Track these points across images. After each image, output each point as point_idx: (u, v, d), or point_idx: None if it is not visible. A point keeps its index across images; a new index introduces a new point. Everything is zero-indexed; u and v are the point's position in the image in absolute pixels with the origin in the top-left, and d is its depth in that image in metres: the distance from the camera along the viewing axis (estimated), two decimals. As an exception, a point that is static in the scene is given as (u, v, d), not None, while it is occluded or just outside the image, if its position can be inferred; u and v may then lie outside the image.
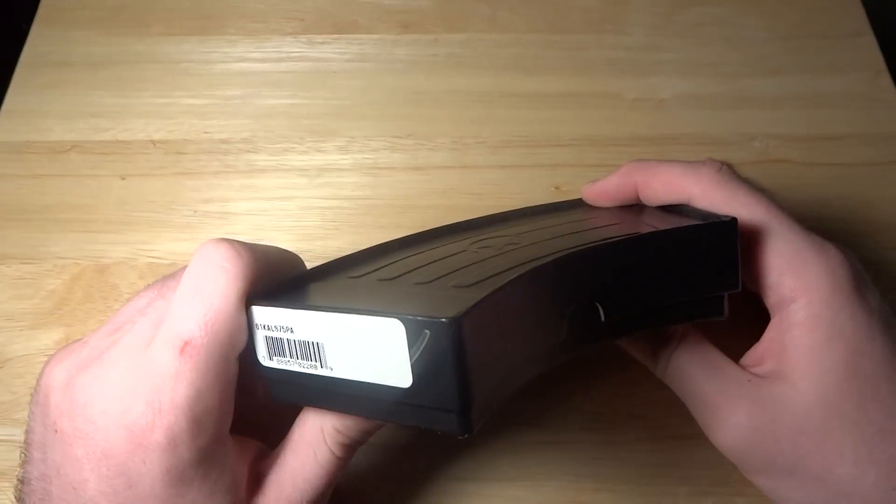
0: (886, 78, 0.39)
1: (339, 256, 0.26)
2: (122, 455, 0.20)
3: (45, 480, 0.21)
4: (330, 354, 0.21)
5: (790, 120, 0.38)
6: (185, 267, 0.23)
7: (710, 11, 0.41)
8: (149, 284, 0.24)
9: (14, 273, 0.33)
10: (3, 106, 0.38)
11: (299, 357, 0.21)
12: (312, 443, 0.22)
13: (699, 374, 0.25)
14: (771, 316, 0.25)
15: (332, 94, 0.38)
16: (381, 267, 0.25)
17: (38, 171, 0.36)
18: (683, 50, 0.40)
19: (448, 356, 0.18)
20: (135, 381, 0.20)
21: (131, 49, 0.40)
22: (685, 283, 0.24)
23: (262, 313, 0.21)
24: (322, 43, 0.40)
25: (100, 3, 0.41)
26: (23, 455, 0.22)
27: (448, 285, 0.21)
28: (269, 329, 0.22)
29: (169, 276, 0.24)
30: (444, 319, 0.18)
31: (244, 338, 0.21)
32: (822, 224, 0.34)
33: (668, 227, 0.24)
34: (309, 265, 0.26)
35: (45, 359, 0.30)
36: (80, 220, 0.35)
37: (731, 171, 0.26)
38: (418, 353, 0.19)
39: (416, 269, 0.24)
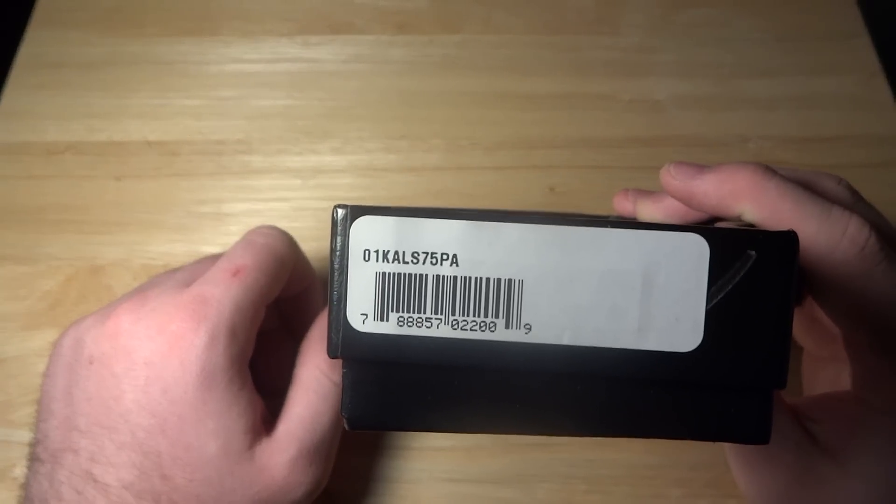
0: (881, 79, 0.39)
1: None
2: (162, 359, 0.22)
3: (69, 420, 0.22)
4: (532, 300, 0.13)
5: (785, 121, 0.38)
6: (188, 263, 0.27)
7: (705, 13, 0.41)
8: (158, 274, 0.27)
9: (8, 274, 0.33)
10: (-1, 107, 0.38)
11: (460, 309, 0.13)
12: (311, 384, 0.23)
13: None
14: (850, 366, 0.21)
15: (326, 96, 0.38)
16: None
17: (34, 172, 0.36)
18: (678, 51, 0.40)
19: (781, 286, 0.13)
20: (180, 301, 0.22)
21: (126, 50, 0.40)
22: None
23: (379, 231, 0.13)
24: (317, 44, 0.40)
25: (95, 5, 0.41)
26: (35, 424, 0.23)
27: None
28: (396, 260, 0.13)
29: (174, 269, 0.26)
30: (784, 232, 0.13)
31: (277, 290, 0.24)
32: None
33: None
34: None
35: (40, 360, 0.31)
36: (75, 221, 0.35)
37: (878, 245, 0.19)
38: (729, 286, 0.13)
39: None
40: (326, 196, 0.35)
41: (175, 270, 0.26)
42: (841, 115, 0.38)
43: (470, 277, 0.13)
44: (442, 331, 0.13)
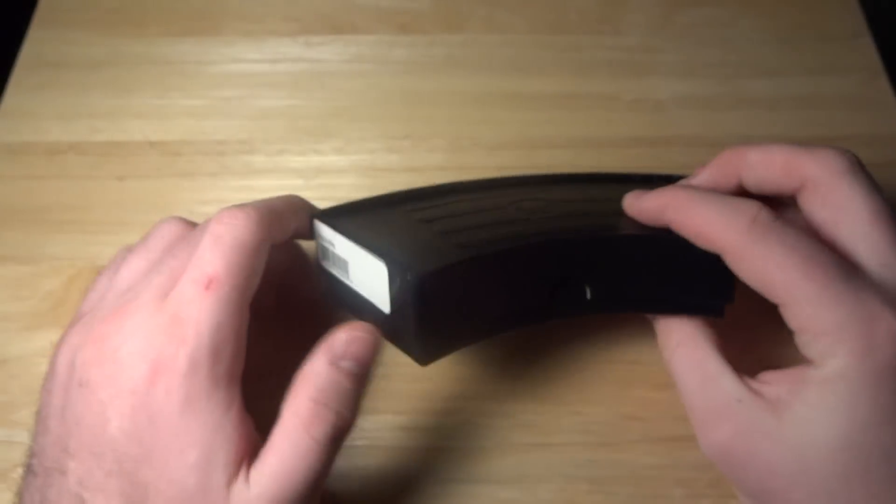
0: (884, 79, 0.39)
1: (409, 188, 0.30)
2: (146, 388, 0.22)
3: (61, 440, 0.22)
4: (352, 270, 0.26)
5: (787, 121, 0.38)
6: (146, 236, 0.27)
7: (708, 12, 0.41)
8: (125, 258, 0.27)
9: (11, 274, 0.33)
10: (1, 107, 0.38)
11: (337, 266, 0.27)
12: (290, 433, 0.22)
13: (691, 383, 0.25)
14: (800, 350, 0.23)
15: (329, 96, 0.38)
16: (432, 207, 0.29)
17: (36, 173, 0.36)
18: (681, 51, 0.40)
19: (409, 300, 0.23)
20: (160, 320, 0.22)
21: (128, 50, 0.40)
22: (680, 285, 0.26)
23: (319, 227, 0.27)
24: (319, 44, 0.40)
25: (97, 5, 0.41)
26: (34, 435, 0.24)
27: (453, 241, 0.25)
28: (322, 239, 0.27)
29: (146, 246, 0.26)
30: (409, 273, 0.23)
31: (257, 281, 0.24)
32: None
33: (664, 235, 0.25)
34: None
35: (42, 360, 0.31)
36: (77, 222, 0.35)
37: (770, 218, 0.23)
38: (394, 290, 0.24)
39: (449, 216, 0.28)
40: (329, 196, 0.35)
41: (149, 264, 0.25)
42: (843, 114, 0.38)
43: (336, 254, 0.27)
44: (334, 271, 0.27)
